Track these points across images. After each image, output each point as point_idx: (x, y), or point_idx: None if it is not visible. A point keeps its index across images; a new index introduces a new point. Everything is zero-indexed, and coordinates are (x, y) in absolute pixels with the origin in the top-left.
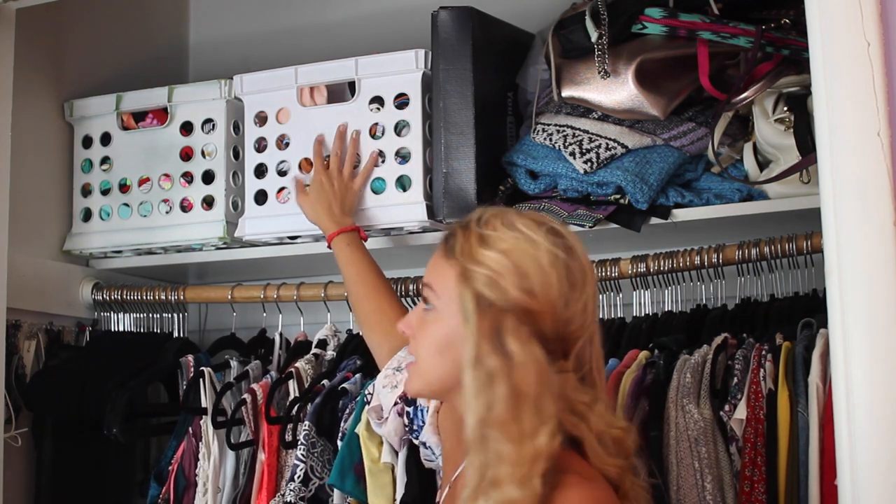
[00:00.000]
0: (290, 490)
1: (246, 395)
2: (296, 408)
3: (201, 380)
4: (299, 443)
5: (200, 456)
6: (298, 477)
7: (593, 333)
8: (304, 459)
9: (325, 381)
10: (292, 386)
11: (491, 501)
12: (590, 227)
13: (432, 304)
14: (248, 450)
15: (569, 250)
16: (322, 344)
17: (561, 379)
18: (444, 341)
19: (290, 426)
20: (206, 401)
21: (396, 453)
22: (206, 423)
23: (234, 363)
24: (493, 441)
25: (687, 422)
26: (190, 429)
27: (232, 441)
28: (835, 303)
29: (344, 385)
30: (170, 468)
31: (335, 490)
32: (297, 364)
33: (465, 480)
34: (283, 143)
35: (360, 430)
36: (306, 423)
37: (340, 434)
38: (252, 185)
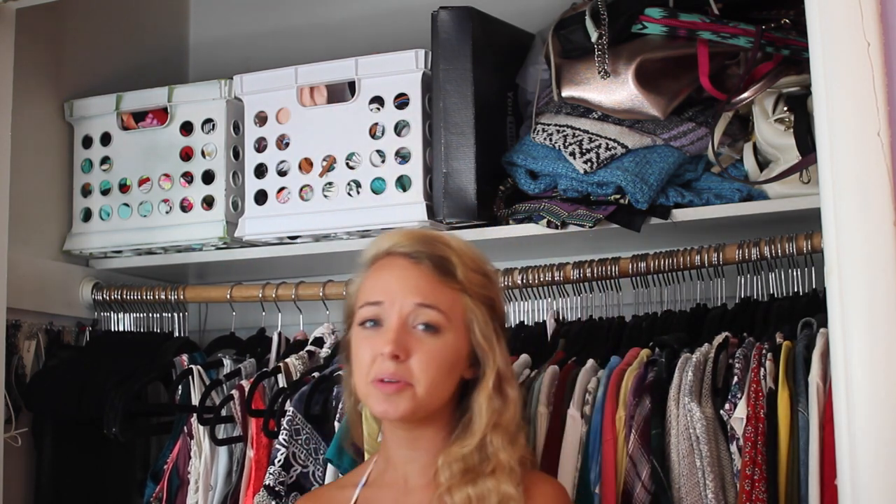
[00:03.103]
0: (270, 474)
1: (234, 392)
2: (280, 399)
3: (190, 377)
4: (282, 428)
5: (192, 454)
6: (279, 461)
7: None
8: (285, 444)
9: (314, 374)
10: (281, 381)
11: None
12: (590, 227)
13: (439, 327)
14: (241, 448)
15: None
16: (318, 342)
17: None
18: (455, 361)
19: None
20: (195, 398)
21: None
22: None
23: (226, 361)
24: (504, 445)
25: (689, 420)
26: (185, 427)
27: (217, 437)
28: (835, 303)
29: (340, 373)
30: (165, 467)
31: (328, 466)
32: (287, 360)
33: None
34: (283, 143)
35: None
36: (290, 409)
37: (338, 415)
38: (252, 185)
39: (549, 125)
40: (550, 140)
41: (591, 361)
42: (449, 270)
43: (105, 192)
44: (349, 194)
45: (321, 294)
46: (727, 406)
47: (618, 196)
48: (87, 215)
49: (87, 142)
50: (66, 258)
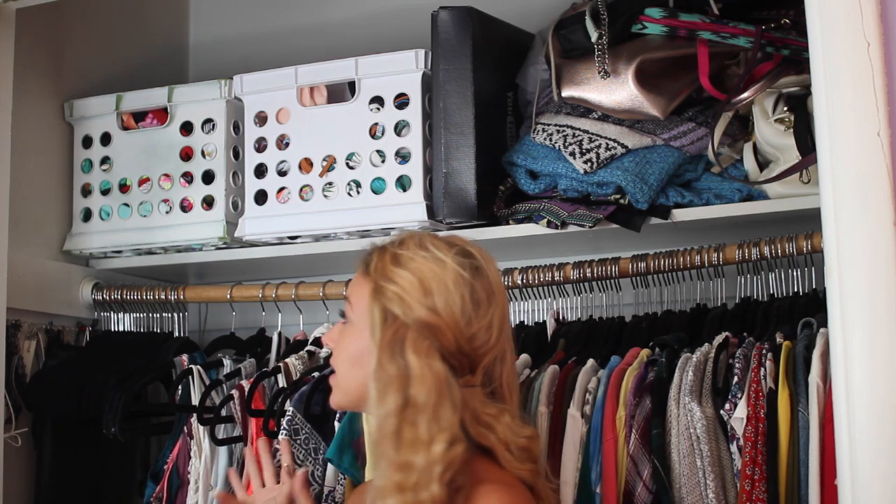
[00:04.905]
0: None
1: (234, 392)
2: (279, 399)
3: (190, 377)
4: (281, 428)
5: (192, 454)
6: (277, 462)
7: (504, 352)
8: None
9: (314, 374)
10: (281, 381)
11: None
12: (590, 227)
13: (349, 318)
14: (241, 448)
15: (476, 270)
16: (318, 342)
17: (467, 392)
18: (358, 353)
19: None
20: (195, 398)
21: None
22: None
23: (227, 361)
24: (388, 448)
25: (689, 420)
26: (185, 427)
27: (217, 437)
28: (835, 303)
29: None
30: (165, 467)
31: (328, 466)
32: (287, 360)
33: (370, 487)
34: (283, 143)
35: None
36: (290, 409)
37: (338, 415)
38: (252, 185)
39: (549, 125)
40: (550, 140)
41: (591, 361)
42: (366, 263)
43: (105, 192)
44: (349, 194)
45: (321, 294)
46: (727, 406)
47: (618, 196)
48: (87, 215)
49: (87, 142)
50: (66, 258)
